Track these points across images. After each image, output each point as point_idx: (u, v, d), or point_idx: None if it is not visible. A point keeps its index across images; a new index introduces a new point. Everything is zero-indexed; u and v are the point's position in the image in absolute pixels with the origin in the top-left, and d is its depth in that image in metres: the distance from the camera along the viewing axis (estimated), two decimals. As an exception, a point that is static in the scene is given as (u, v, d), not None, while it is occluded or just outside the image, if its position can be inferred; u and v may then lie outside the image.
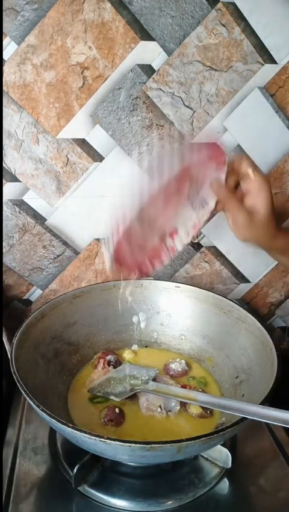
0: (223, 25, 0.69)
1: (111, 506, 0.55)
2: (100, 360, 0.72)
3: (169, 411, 0.64)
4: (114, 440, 0.45)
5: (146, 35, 0.69)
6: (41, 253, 0.82)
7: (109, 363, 0.71)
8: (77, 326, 0.74)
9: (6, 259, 0.82)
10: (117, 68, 0.70)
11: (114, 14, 0.66)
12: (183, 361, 0.73)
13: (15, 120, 0.71)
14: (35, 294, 0.86)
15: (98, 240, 0.83)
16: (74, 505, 0.56)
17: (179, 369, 0.72)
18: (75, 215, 0.80)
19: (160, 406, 0.63)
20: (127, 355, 0.76)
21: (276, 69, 0.74)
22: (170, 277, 0.90)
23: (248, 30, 0.70)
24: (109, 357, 0.72)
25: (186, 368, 0.73)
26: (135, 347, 0.79)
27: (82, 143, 0.75)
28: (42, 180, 0.76)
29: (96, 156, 0.76)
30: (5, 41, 0.66)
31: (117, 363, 0.73)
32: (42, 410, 0.49)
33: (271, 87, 0.75)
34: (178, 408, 0.64)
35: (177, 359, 0.74)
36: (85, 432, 0.46)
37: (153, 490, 0.58)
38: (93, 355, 0.75)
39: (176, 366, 0.72)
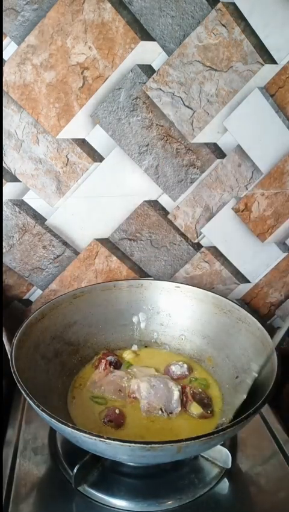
0: (223, 25, 0.69)
1: (111, 506, 0.55)
2: (102, 361, 0.72)
3: (170, 412, 0.64)
4: (113, 439, 0.45)
5: (146, 35, 0.69)
6: (41, 253, 0.82)
7: (110, 364, 0.71)
8: (78, 326, 0.74)
9: (6, 259, 0.82)
10: (117, 69, 0.70)
11: (114, 14, 0.66)
12: (185, 365, 0.73)
13: (15, 120, 0.71)
14: (35, 294, 0.86)
15: (98, 240, 0.83)
16: (74, 505, 0.56)
17: (179, 372, 0.71)
18: (75, 215, 0.80)
19: (161, 409, 0.63)
20: (127, 355, 0.76)
21: (276, 69, 0.74)
22: (170, 277, 0.90)
23: (248, 30, 0.70)
24: (109, 358, 0.72)
25: (187, 373, 0.72)
26: (135, 347, 0.79)
27: (82, 143, 0.75)
28: (42, 180, 0.76)
29: (96, 156, 0.76)
30: (5, 41, 0.66)
31: (118, 364, 0.73)
32: (42, 410, 0.49)
33: (271, 87, 0.75)
34: (179, 409, 0.64)
35: (180, 362, 0.73)
36: (85, 432, 0.46)
37: (153, 490, 0.58)
38: (93, 355, 0.75)
39: (177, 369, 0.72)
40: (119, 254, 0.85)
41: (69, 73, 0.69)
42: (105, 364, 0.71)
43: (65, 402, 0.66)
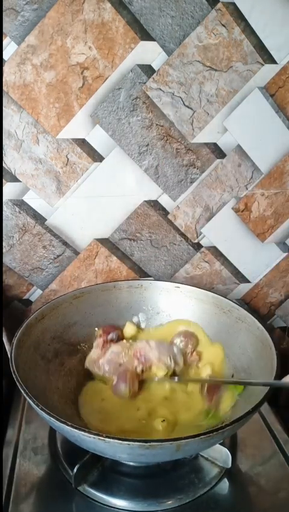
0: (223, 25, 0.69)
1: (111, 506, 0.55)
2: (100, 339, 0.72)
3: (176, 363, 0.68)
4: (112, 438, 0.45)
5: (145, 35, 0.69)
6: (41, 253, 0.82)
7: (111, 341, 0.72)
8: (77, 327, 0.74)
9: (6, 259, 0.82)
10: (117, 69, 0.70)
11: (114, 14, 0.66)
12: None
13: (15, 120, 0.71)
14: (35, 294, 0.86)
15: (98, 240, 0.83)
16: (74, 505, 0.56)
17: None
18: (75, 215, 0.80)
19: (170, 357, 0.68)
20: (128, 331, 0.76)
21: (276, 69, 0.74)
22: (170, 277, 0.90)
23: (248, 30, 0.70)
24: (110, 335, 0.73)
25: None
26: (135, 318, 0.79)
27: (82, 143, 0.75)
28: (42, 180, 0.76)
29: (96, 156, 0.76)
30: (5, 41, 0.66)
31: (119, 340, 0.73)
32: (42, 410, 0.49)
33: (271, 87, 0.75)
34: (182, 362, 0.69)
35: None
36: (84, 431, 0.46)
37: (153, 490, 0.58)
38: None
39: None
40: (119, 254, 0.85)
41: (69, 73, 0.69)
42: (103, 343, 0.71)
43: (65, 402, 0.65)
